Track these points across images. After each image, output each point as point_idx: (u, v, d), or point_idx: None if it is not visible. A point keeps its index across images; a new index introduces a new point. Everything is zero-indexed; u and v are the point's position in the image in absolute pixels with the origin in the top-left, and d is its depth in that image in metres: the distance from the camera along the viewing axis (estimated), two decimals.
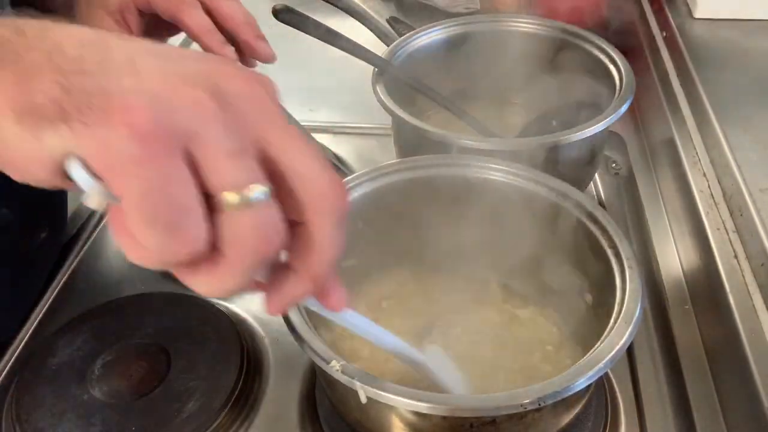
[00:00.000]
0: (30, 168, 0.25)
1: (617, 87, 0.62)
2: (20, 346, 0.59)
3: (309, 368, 0.55)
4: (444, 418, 0.39)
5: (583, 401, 0.45)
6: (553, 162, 0.57)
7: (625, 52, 0.66)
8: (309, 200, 0.27)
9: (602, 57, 0.66)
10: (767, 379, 0.47)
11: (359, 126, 0.83)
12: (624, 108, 0.59)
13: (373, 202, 0.52)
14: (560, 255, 0.51)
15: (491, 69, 0.73)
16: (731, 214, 0.58)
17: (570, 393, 0.38)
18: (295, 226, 0.28)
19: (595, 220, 0.48)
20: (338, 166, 0.55)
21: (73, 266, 0.65)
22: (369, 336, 0.39)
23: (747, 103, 0.67)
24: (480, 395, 0.38)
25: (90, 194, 0.25)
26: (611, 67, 0.65)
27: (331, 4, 0.72)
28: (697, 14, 0.81)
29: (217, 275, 0.26)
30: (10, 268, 0.59)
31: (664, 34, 0.83)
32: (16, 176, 0.26)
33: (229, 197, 0.25)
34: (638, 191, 0.72)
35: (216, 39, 0.51)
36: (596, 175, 0.72)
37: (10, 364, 0.57)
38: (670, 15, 0.83)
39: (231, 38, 0.52)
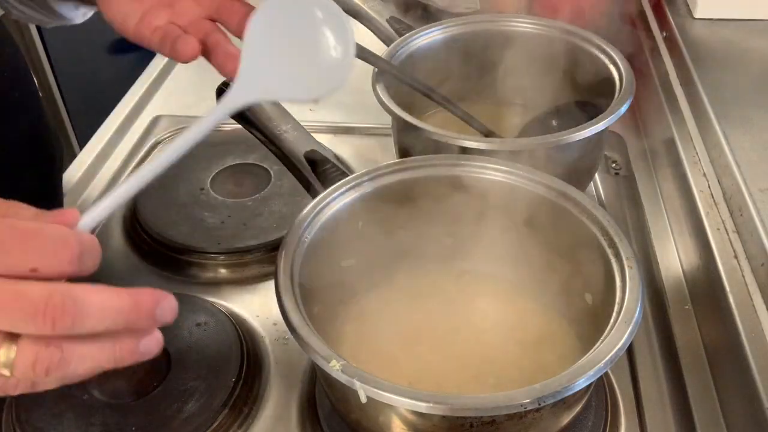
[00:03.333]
0: None
1: (617, 87, 0.62)
2: None
3: (309, 368, 0.55)
4: (444, 417, 0.39)
5: (583, 401, 0.45)
6: (553, 162, 0.57)
7: (625, 52, 0.66)
8: None
9: (602, 57, 0.66)
10: (767, 380, 0.47)
11: (359, 126, 0.83)
12: (624, 108, 0.59)
13: (373, 202, 0.52)
14: (560, 255, 0.51)
15: (491, 69, 0.73)
16: (731, 214, 0.58)
17: (570, 393, 0.38)
18: None
19: (595, 220, 0.48)
20: (338, 165, 0.54)
21: None
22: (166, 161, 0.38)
23: (747, 103, 0.67)
24: (480, 395, 0.38)
25: None
26: (611, 67, 0.65)
27: None
28: (697, 14, 0.81)
29: None
30: None
31: (664, 34, 0.83)
32: None
33: None
34: (638, 191, 0.72)
35: None
36: (596, 175, 0.72)
37: None
38: (670, 15, 0.83)
39: None
